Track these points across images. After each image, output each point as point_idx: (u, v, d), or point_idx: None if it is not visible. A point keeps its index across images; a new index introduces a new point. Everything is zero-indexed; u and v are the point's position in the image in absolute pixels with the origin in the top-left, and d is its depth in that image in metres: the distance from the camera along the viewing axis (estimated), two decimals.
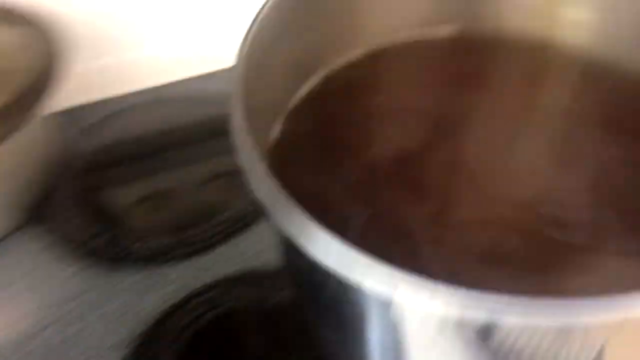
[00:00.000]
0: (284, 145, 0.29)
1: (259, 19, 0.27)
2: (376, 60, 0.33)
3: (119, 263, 0.39)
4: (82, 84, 0.46)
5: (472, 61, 0.34)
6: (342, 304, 0.22)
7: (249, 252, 0.40)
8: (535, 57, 0.33)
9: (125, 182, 0.45)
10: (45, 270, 0.39)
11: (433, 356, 0.22)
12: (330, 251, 0.18)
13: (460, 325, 0.19)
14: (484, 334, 0.18)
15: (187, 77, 0.51)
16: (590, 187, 0.29)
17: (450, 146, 0.31)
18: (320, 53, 0.32)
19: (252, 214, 0.41)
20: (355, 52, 0.33)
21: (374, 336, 0.23)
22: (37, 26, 0.43)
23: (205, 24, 0.53)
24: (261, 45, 0.27)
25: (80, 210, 0.42)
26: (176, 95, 0.50)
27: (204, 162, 0.45)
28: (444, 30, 0.34)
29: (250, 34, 0.27)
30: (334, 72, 0.32)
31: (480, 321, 0.18)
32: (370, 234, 0.27)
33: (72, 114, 0.48)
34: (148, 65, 0.51)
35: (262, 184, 0.20)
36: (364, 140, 0.30)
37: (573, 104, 0.32)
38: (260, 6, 0.28)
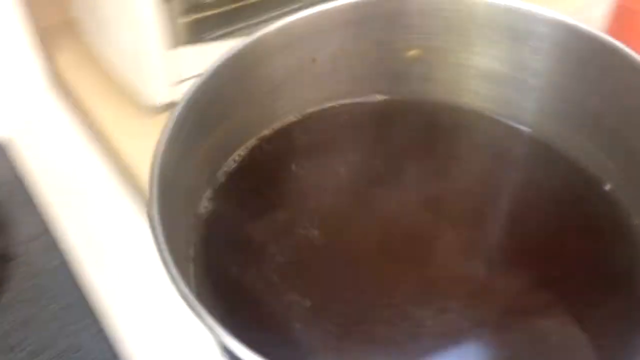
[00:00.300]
0: (215, 216, 0.31)
1: (184, 101, 0.29)
2: (308, 124, 0.35)
3: None
4: None
5: (395, 125, 0.36)
6: None
7: None
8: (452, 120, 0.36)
9: None
10: None
11: None
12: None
13: None
14: None
15: None
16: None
17: (380, 209, 0.32)
18: (250, 125, 0.33)
19: None
20: (282, 122, 0.35)
21: None
22: None
23: None
24: (185, 125, 0.28)
25: None
26: None
27: None
28: (373, 99, 0.36)
29: (175, 115, 0.28)
30: (261, 143, 0.34)
31: None
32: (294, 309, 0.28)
33: None
34: None
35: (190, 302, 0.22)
36: (292, 207, 0.32)
37: (476, 156, 0.35)
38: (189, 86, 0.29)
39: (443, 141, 0.35)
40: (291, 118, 0.35)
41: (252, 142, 0.34)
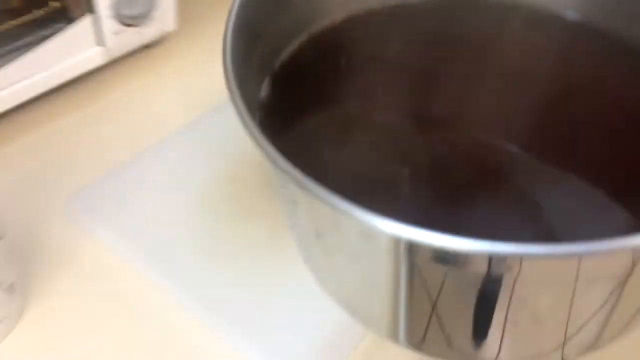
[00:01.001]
0: (274, 100, 0.32)
1: None
2: (356, 23, 0.36)
3: None
4: None
5: (445, 24, 0.37)
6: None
7: None
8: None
9: None
10: None
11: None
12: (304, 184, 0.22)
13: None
14: None
15: None
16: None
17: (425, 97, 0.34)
18: (304, 17, 0.34)
19: None
20: (336, 16, 0.35)
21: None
22: None
23: None
24: (246, 15, 0.30)
25: None
26: None
27: None
28: None
29: (235, 6, 0.29)
30: (316, 35, 0.35)
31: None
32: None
33: None
34: None
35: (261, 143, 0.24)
36: (343, 94, 0.33)
37: (525, 49, 0.36)
38: None
39: (493, 37, 0.36)
40: (343, 15, 0.36)
41: (306, 34, 0.34)
